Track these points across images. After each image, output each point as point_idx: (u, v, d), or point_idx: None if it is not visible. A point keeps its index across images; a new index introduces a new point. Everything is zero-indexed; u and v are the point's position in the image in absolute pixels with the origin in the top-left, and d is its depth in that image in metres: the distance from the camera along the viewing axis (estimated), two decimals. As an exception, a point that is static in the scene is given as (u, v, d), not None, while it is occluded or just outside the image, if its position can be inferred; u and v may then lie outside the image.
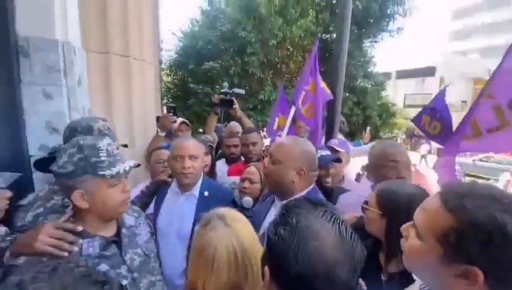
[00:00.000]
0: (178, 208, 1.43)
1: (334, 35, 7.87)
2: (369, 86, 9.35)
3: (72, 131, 1.16)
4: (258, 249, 0.81)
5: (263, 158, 2.22)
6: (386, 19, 8.42)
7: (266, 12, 6.30)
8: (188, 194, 1.46)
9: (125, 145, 1.02)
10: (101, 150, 0.90)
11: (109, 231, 0.98)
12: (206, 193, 1.45)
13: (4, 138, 1.45)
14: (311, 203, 0.64)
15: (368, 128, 5.42)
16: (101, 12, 1.97)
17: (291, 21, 6.78)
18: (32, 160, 1.53)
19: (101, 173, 0.88)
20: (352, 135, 7.79)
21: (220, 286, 0.77)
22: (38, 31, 1.50)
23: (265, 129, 3.22)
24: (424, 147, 9.98)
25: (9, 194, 1.01)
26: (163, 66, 7.54)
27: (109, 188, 0.91)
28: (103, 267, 0.90)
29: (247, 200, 1.46)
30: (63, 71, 1.56)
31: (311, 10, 7.71)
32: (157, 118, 2.61)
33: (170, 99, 7.79)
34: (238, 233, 0.80)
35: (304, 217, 0.59)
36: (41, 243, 0.79)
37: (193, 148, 1.42)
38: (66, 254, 0.81)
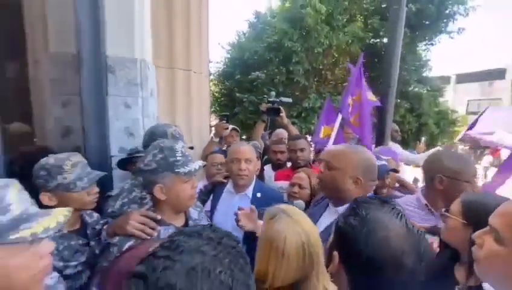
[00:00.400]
0: (233, 207, 1.55)
1: (384, 40, 7.53)
2: (424, 91, 8.61)
3: (151, 136, 1.37)
4: (319, 240, 0.87)
5: (310, 164, 2.26)
6: (444, 20, 7.74)
7: (313, 22, 6.34)
8: (242, 194, 1.58)
9: (191, 148, 1.17)
10: (177, 151, 1.05)
11: (179, 222, 1.12)
12: (258, 194, 1.54)
13: (95, 140, 1.75)
14: (380, 201, 0.69)
15: (423, 138, 4.98)
16: (168, 34, 2.26)
17: (338, 28, 6.70)
18: (113, 160, 1.82)
19: (177, 170, 1.03)
20: (405, 144, 7.23)
21: (290, 274, 0.83)
22: (122, 51, 1.79)
23: (309, 137, 3.23)
24: (486, 159, 8.74)
25: (97, 189, 1.20)
26: (211, 76, 8.07)
27: (183, 184, 1.05)
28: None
29: (300, 203, 1.51)
30: (140, 85, 1.84)
31: (359, 16, 7.51)
32: (210, 126, 2.84)
33: (217, 108, 8.27)
34: (304, 225, 0.88)
35: (373, 211, 0.65)
36: (131, 227, 0.96)
37: (248, 152, 1.54)
38: (148, 237, 0.97)
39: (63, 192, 1.06)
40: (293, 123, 6.79)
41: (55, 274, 0.81)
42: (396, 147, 3.13)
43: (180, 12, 2.27)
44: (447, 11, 7.59)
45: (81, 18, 1.64)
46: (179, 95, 2.32)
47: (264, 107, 2.55)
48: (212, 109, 7.70)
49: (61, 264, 1.01)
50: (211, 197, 1.70)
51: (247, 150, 1.54)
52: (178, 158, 1.04)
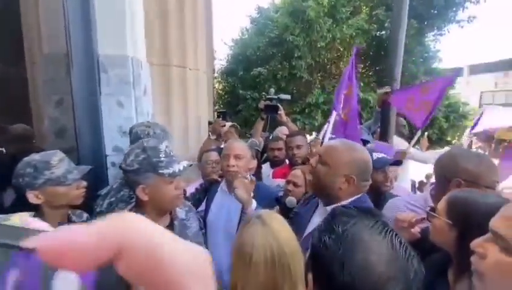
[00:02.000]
0: (226, 206, 1.52)
1: (389, 32, 7.30)
2: (433, 84, 8.38)
3: (136, 135, 1.36)
4: (296, 250, 0.81)
5: (309, 161, 2.20)
6: (454, 8, 7.46)
7: (315, 15, 6.21)
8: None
9: (190, 165, 1.14)
10: (161, 151, 1.03)
11: (164, 222, 1.10)
12: (252, 193, 1.50)
13: (88, 139, 1.74)
14: (361, 212, 0.59)
15: (426, 133, 4.80)
16: (162, 31, 2.24)
17: (342, 20, 6.55)
18: (108, 159, 1.82)
19: (160, 171, 1.00)
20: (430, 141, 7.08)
21: (257, 286, 0.77)
22: (114, 49, 1.78)
23: (314, 134, 3.18)
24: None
25: (85, 183, 1.19)
26: (215, 74, 8.05)
27: (166, 185, 1.03)
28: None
29: (291, 200, 1.47)
30: (132, 83, 1.82)
31: (363, 7, 7.32)
32: (209, 123, 2.81)
33: (221, 105, 8.25)
34: (275, 232, 0.81)
35: (352, 226, 0.55)
36: None
37: (238, 148, 1.50)
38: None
39: (51, 187, 1.05)
40: (297, 119, 6.76)
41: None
42: (401, 143, 3.03)
43: (173, 8, 2.24)
44: (457, -1, 7.33)
45: (71, 17, 1.63)
46: (174, 92, 2.30)
47: (262, 104, 2.52)
48: (216, 107, 7.69)
49: None
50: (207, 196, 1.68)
51: (237, 146, 1.50)
52: (161, 159, 1.02)
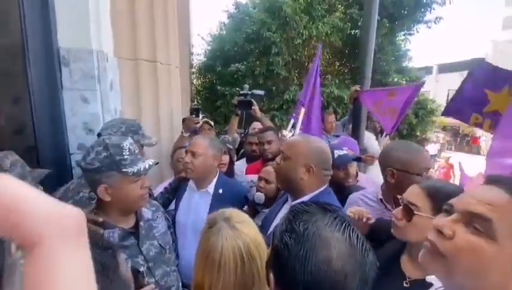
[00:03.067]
0: (194, 204, 1.51)
1: (364, 31, 7.56)
2: (404, 82, 8.76)
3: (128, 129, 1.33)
4: (263, 251, 0.81)
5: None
6: (422, 9, 7.84)
7: (291, 11, 6.24)
8: (203, 191, 1.54)
9: (157, 163, 1.10)
10: (124, 149, 0.99)
11: (128, 223, 1.07)
12: (220, 191, 1.50)
13: (49, 137, 1.64)
14: (320, 208, 0.60)
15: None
16: (129, 23, 2.14)
17: (318, 18, 6.64)
18: (73, 157, 1.73)
19: (124, 170, 0.97)
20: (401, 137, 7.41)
21: (227, 288, 0.77)
22: (76, 42, 1.68)
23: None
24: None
25: (41, 188, 1.10)
26: (193, 69, 7.86)
27: (130, 184, 0.99)
28: (122, 256, 0.99)
29: (259, 195, 1.49)
30: (97, 77, 1.73)
31: (339, 6, 7.47)
32: (183, 120, 2.75)
33: (200, 101, 8.10)
34: (244, 235, 0.80)
35: (312, 224, 0.55)
36: None
37: (197, 145, 1.47)
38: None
39: None
40: (274, 116, 6.80)
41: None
42: (368, 138, 3.16)
43: (142, 1, 2.15)
44: (425, 0, 7.69)
45: (26, 5, 1.51)
46: (144, 88, 2.22)
47: (236, 100, 2.51)
48: (194, 103, 7.53)
49: None
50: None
51: (196, 143, 1.49)
52: (125, 157, 0.98)
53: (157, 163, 1.13)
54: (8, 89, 1.66)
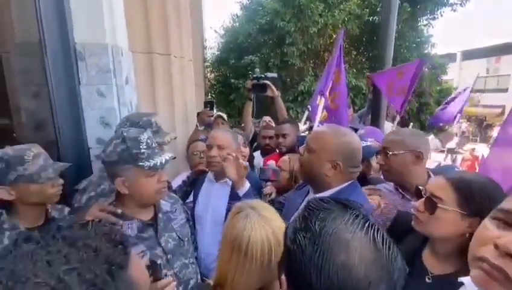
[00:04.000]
0: (213, 196, 1.50)
1: (383, 16, 7.19)
2: (425, 69, 8.33)
3: (132, 125, 1.29)
4: None
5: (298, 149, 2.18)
6: (447, -10, 7.36)
7: (306, 0, 6.04)
8: (222, 183, 1.52)
9: (174, 158, 1.08)
10: (142, 142, 0.98)
11: (147, 215, 1.06)
12: (244, 177, 1.48)
13: (69, 132, 1.68)
14: (340, 205, 0.52)
15: (411, 124, 4.79)
16: (143, 17, 2.13)
17: (334, 5, 6.39)
18: (91, 152, 1.76)
19: (140, 163, 0.96)
20: (405, 125, 7.08)
21: (252, 279, 0.74)
22: (91, 37, 1.69)
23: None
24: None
25: (61, 181, 1.13)
26: (207, 63, 7.86)
27: (146, 178, 0.98)
28: (141, 247, 0.99)
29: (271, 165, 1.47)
30: (112, 72, 1.74)
31: (356, -9, 7.16)
32: (198, 114, 2.74)
33: (213, 95, 8.12)
34: (273, 223, 0.77)
35: (330, 223, 0.48)
36: None
37: (221, 138, 1.46)
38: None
39: (23, 184, 0.99)
40: (289, 108, 6.69)
41: None
42: (387, 129, 3.03)
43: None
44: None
45: (42, 3, 1.53)
46: (158, 81, 2.22)
47: (249, 84, 2.47)
48: (209, 97, 7.56)
49: None
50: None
51: (220, 136, 1.46)
52: (142, 150, 0.97)
53: (175, 158, 1.11)
54: (29, 86, 1.71)
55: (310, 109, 2.80)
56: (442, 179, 0.85)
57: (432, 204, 0.83)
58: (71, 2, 1.62)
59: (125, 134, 0.98)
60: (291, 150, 2.00)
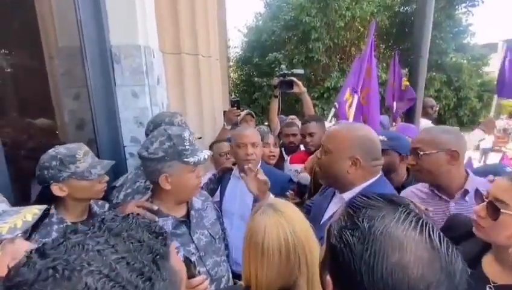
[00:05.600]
0: (239, 192, 1.52)
1: (415, 6, 6.76)
2: (464, 61, 7.69)
3: (156, 126, 1.33)
4: (311, 240, 0.77)
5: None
6: (490, -26, 6.73)
7: (332, -8, 5.87)
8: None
9: (200, 138, 1.11)
10: (185, 139, 1.01)
11: (180, 212, 1.08)
12: (267, 191, 1.47)
13: (106, 131, 1.77)
14: (388, 201, 0.49)
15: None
16: (172, 18, 2.18)
17: (362, -3, 6.13)
18: (126, 150, 1.84)
19: (185, 159, 0.99)
20: (441, 122, 6.61)
21: (272, 276, 0.74)
22: (125, 39, 1.75)
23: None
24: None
25: (107, 178, 1.18)
26: (230, 63, 7.95)
27: (189, 173, 1.02)
28: (175, 244, 1.01)
29: (304, 176, 1.42)
30: (145, 73, 1.80)
31: (385, -19, 6.79)
32: (224, 112, 2.77)
33: (237, 94, 8.20)
34: (289, 220, 0.77)
35: (380, 221, 0.46)
36: None
37: (254, 136, 1.49)
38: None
39: (75, 181, 1.05)
40: (315, 105, 6.54)
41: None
42: (427, 125, 2.84)
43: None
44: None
45: (83, 9, 1.62)
46: (187, 81, 2.26)
47: (276, 81, 2.44)
48: (232, 96, 7.65)
49: None
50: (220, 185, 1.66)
51: (252, 134, 1.48)
52: (186, 147, 1.00)
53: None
54: (70, 88, 1.82)
55: (337, 106, 2.71)
56: (506, 180, 0.77)
57: (494, 209, 0.76)
58: (107, 5, 1.70)
59: (169, 132, 1.01)
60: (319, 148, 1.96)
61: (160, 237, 0.44)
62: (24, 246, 0.59)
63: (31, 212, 0.60)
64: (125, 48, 1.74)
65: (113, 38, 1.74)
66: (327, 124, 2.80)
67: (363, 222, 0.46)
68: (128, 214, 0.48)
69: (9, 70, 1.94)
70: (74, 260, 0.35)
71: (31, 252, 0.37)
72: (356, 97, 2.36)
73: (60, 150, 1.05)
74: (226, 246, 1.33)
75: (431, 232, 0.44)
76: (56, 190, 1.03)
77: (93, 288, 0.33)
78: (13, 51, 1.90)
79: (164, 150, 0.97)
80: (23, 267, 0.35)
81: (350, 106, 2.44)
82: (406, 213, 0.46)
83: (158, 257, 0.41)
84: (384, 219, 0.46)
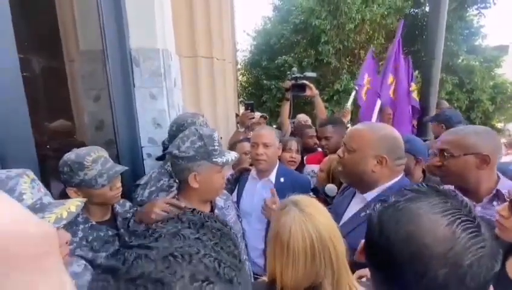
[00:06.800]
0: (256, 193, 1.52)
1: (427, 10, 6.70)
2: (476, 63, 7.57)
3: (179, 127, 1.35)
4: (337, 239, 0.76)
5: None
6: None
7: (342, -5, 5.87)
8: (265, 180, 1.55)
9: (221, 138, 1.13)
10: (215, 140, 1.03)
11: (205, 210, 1.10)
12: (282, 179, 1.49)
13: (125, 132, 1.81)
14: (433, 189, 0.52)
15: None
16: (188, 22, 2.23)
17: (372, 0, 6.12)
18: (144, 150, 1.87)
19: (214, 159, 1.01)
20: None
21: (298, 275, 0.73)
22: (144, 42, 1.80)
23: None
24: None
25: (119, 185, 1.12)
26: (238, 66, 8.01)
27: (217, 173, 1.04)
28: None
29: (331, 187, 1.41)
30: (163, 75, 1.84)
31: (396, -17, 6.77)
32: (236, 115, 2.80)
33: (245, 97, 8.24)
34: (314, 219, 0.76)
35: (415, 202, 0.49)
36: (156, 215, 0.96)
37: (267, 136, 1.48)
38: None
39: (85, 188, 1.03)
40: (325, 108, 6.49)
41: (82, 262, 0.84)
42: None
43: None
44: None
45: (105, 13, 1.67)
46: (203, 83, 2.30)
47: (287, 84, 2.45)
48: (240, 99, 7.69)
49: (90, 254, 1.02)
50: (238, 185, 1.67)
51: (265, 134, 1.48)
52: (216, 147, 1.03)
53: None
54: (91, 89, 1.88)
55: (357, 88, 2.73)
56: None
57: None
58: (128, 10, 1.75)
59: (201, 132, 1.03)
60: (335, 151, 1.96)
61: (227, 226, 0.46)
62: (66, 237, 0.62)
63: (74, 204, 0.62)
64: (145, 51, 1.79)
65: (133, 42, 1.79)
66: (348, 107, 2.83)
67: (399, 202, 0.50)
68: (194, 209, 0.50)
69: (37, 73, 2.00)
70: (184, 247, 0.36)
71: (127, 247, 0.37)
72: (378, 101, 2.34)
73: (71, 156, 1.02)
74: (246, 246, 1.34)
75: (458, 222, 0.45)
76: (71, 193, 1.03)
77: (212, 267, 0.35)
78: (39, 54, 1.97)
79: (195, 149, 1.00)
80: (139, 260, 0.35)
81: (366, 92, 2.44)
82: (443, 201, 0.48)
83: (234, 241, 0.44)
84: (419, 202, 0.49)
